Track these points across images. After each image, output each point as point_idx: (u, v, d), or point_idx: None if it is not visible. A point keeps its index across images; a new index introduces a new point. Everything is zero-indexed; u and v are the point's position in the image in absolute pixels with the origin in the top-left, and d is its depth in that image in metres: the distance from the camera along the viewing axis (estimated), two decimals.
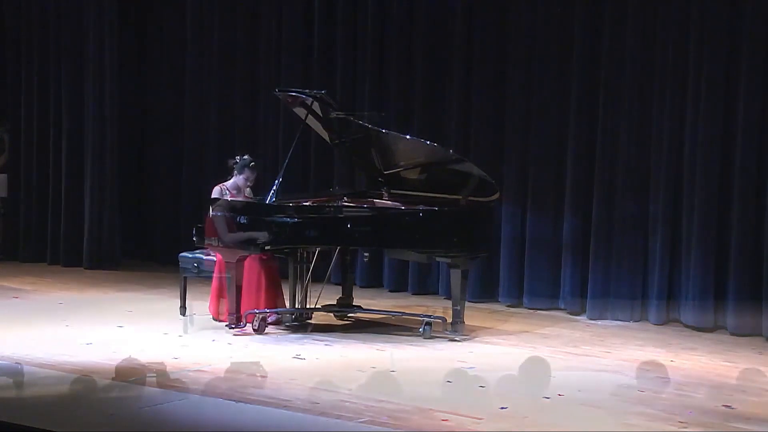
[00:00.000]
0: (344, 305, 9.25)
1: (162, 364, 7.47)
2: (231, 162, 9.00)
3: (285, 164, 8.69)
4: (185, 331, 8.59)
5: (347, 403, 6.61)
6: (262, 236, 8.42)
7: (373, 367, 7.56)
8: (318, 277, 9.24)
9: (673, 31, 9.26)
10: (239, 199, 8.85)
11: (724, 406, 6.83)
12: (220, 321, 8.77)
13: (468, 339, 8.51)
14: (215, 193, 8.87)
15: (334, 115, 8.94)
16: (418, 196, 8.85)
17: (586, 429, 6.31)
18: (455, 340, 8.43)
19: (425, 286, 10.45)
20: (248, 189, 9.00)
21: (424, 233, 8.38)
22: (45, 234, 11.90)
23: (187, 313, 9.11)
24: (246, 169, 8.93)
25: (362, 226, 8.39)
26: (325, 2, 10.83)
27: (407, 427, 6.20)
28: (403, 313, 9.03)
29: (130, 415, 6.33)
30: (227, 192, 8.88)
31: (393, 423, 6.25)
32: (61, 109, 11.78)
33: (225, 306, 8.66)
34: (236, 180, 8.95)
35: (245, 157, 8.99)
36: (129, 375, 7.18)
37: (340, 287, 9.44)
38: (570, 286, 9.71)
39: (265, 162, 10.71)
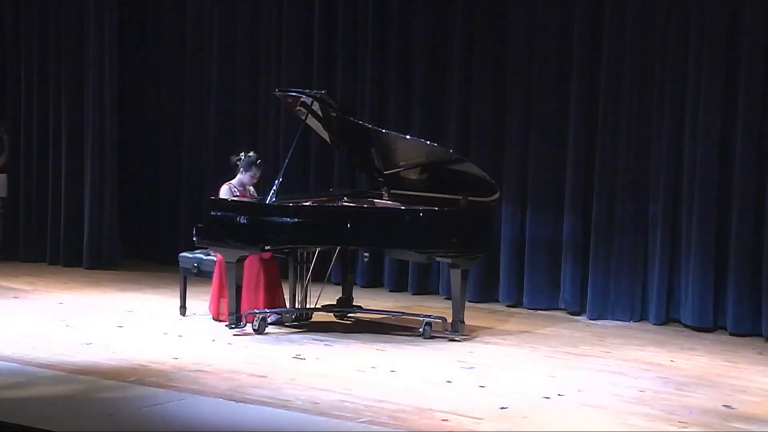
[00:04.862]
0: (344, 305, 9.25)
1: (162, 364, 7.48)
2: (234, 159, 8.99)
3: (285, 164, 8.69)
4: (185, 331, 8.59)
5: (347, 403, 6.61)
6: (262, 236, 8.42)
7: (373, 367, 7.56)
8: (318, 277, 9.25)
9: (673, 31, 9.26)
10: (245, 197, 8.86)
11: (724, 406, 6.84)
12: (220, 321, 8.78)
13: (468, 339, 8.51)
14: (223, 191, 8.86)
15: (334, 115, 8.95)
16: (418, 196, 8.86)
17: (586, 429, 6.31)
18: (455, 340, 8.43)
19: (425, 286, 10.46)
20: (251, 188, 9.01)
21: (424, 233, 8.38)
22: (45, 234, 11.90)
23: (187, 313, 9.12)
24: (253, 166, 8.93)
25: (362, 226, 8.38)
26: (325, 2, 10.84)
27: (407, 427, 6.20)
28: (403, 313, 9.03)
29: (130, 415, 6.33)
30: (235, 190, 8.88)
31: (393, 423, 6.26)
32: (61, 109, 11.79)
33: (225, 306, 8.67)
34: (242, 177, 8.95)
35: (251, 154, 8.98)
36: (129, 375, 7.18)
37: (340, 287, 9.44)
38: (570, 286, 9.72)
39: (266, 162, 10.71)
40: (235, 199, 8.78)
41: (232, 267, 8.50)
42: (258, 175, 8.98)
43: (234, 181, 8.95)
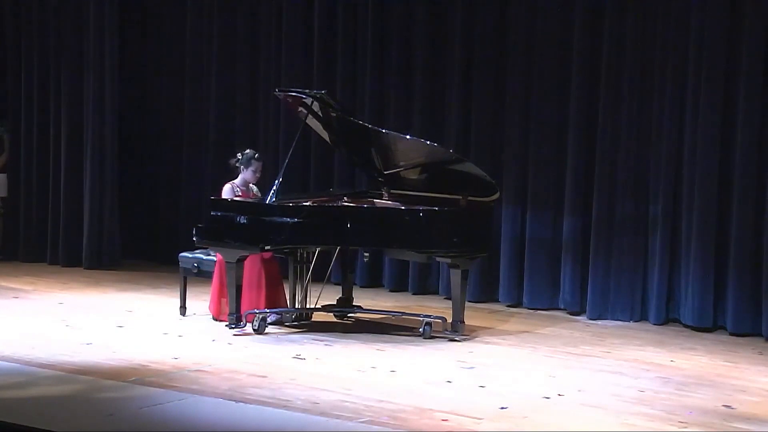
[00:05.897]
0: (344, 305, 9.25)
1: (162, 364, 7.48)
2: (233, 161, 8.99)
3: (285, 164, 8.68)
4: (185, 331, 8.59)
5: (347, 403, 6.61)
6: (262, 236, 8.42)
7: (373, 367, 7.56)
8: (318, 277, 9.25)
9: (673, 31, 9.27)
10: (248, 196, 8.87)
11: (724, 406, 6.84)
12: (220, 321, 8.78)
13: (468, 339, 8.51)
14: (226, 191, 8.86)
15: (334, 115, 8.95)
16: (418, 196, 8.86)
17: (586, 429, 6.31)
18: (455, 340, 8.43)
19: (425, 286, 10.46)
20: (254, 187, 9.01)
21: (424, 233, 8.37)
22: (45, 234, 11.90)
23: (187, 313, 9.13)
24: (252, 161, 8.94)
25: (362, 226, 8.38)
26: (325, 2, 10.84)
27: (407, 427, 6.20)
28: (403, 313, 9.03)
29: (130, 415, 6.33)
30: (238, 190, 8.89)
31: (393, 423, 6.25)
32: (61, 109, 11.79)
33: (226, 305, 8.67)
34: (244, 176, 8.96)
35: (247, 151, 9.01)
36: (129, 375, 7.18)
37: (340, 287, 9.44)
38: (570, 286, 9.72)
39: (266, 162, 10.72)
40: (235, 198, 8.78)
41: (232, 267, 8.50)
42: (259, 168, 8.99)
43: (237, 181, 8.96)
